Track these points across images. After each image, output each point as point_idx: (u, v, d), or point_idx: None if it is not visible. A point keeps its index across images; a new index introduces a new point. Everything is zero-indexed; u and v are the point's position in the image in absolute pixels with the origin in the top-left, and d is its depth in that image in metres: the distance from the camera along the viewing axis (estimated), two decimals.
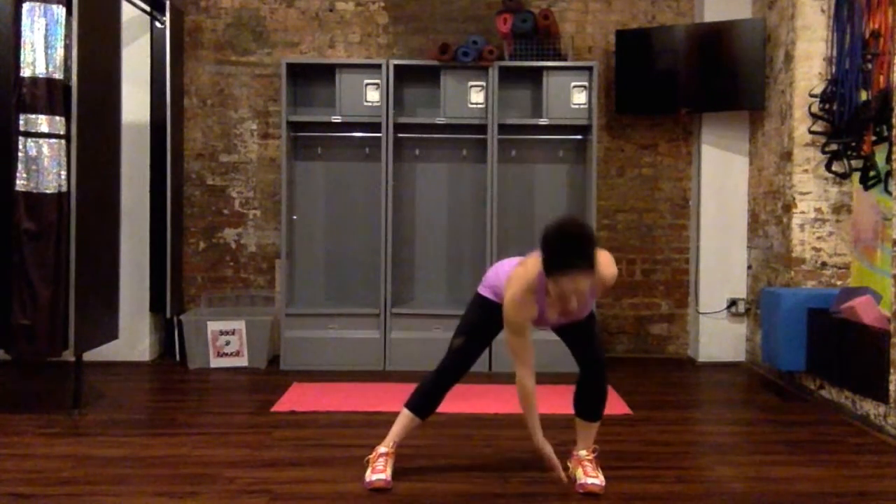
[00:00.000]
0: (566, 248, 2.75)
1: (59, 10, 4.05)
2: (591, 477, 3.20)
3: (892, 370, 3.91)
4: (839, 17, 4.81)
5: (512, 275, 3.02)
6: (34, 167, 4.02)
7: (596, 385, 3.27)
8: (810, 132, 4.96)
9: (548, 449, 3.16)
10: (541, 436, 3.16)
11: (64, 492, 3.15)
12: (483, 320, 3.24)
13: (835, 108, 4.78)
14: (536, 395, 3.11)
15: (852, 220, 4.97)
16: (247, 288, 6.03)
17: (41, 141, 4.02)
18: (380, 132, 5.53)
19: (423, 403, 3.33)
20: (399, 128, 5.66)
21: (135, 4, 5.31)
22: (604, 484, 3.18)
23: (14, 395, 4.69)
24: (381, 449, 3.28)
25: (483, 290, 3.26)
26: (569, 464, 3.30)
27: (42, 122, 4.02)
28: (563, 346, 3.31)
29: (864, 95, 4.58)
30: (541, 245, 2.82)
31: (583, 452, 3.30)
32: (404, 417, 3.33)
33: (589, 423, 3.32)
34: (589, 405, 3.30)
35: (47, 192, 4.03)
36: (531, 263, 2.97)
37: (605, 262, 2.96)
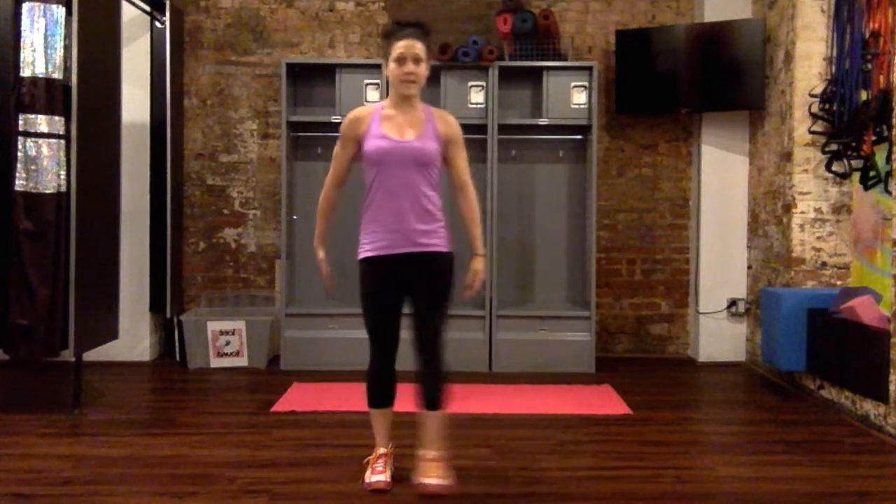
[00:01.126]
0: (401, 23, 3.21)
1: (59, 10, 4.05)
2: (430, 477, 3.08)
3: (892, 370, 3.91)
4: (839, 17, 4.81)
5: None
6: (33, 167, 4.02)
7: (426, 360, 3.13)
8: (810, 132, 4.96)
9: (322, 253, 3.33)
10: (322, 242, 3.35)
11: (64, 492, 3.15)
12: (374, 283, 3.18)
13: (835, 108, 4.77)
14: (332, 213, 3.32)
15: (852, 220, 4.97)
16: (247, 288, 6.03)
17: (40, 141, 4.03)
18: None
19: (379, 394, 3.26)
20: None
21: (135, 4, 5.31)
22: (448, 484, 3.08)
23: (14, 395, 4.69)
24: (380, 450, 3.29)
25: (359, 253, 3.22)
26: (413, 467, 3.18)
27: (41, 122, 4.02)
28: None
29: (864, 95, 4.57)
30: (381, 37, 3.29)
31: (431, 453, 3.15)
32: (375, 416, 3.29)
33: (429, 413, 3.15)
34: (425, 389, 3.14)
35: (46, 192, 4.04)
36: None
37: (449, 114, 3.30)
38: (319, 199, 3.33)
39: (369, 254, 3.17)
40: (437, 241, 3.17)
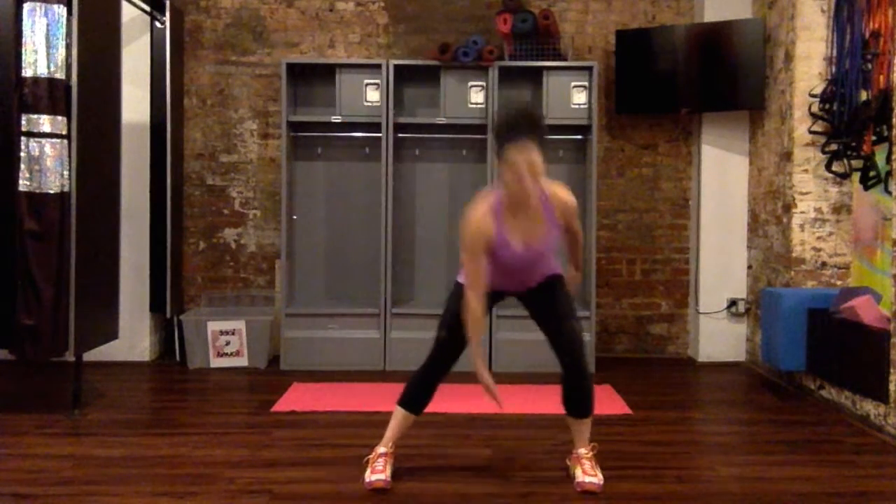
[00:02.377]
0: (513, 121, 2.97)
1: (60, 10, 4.05)
2: (589, 475, 3.20)
3: (892, 370, 3.91)
4: (839, 17, 4.81)
5: (472, 204, 3.13)
6: (37, 167, 4.02)
7: (577, 378, 3.21)
8: (810, 132, 4.96)
9: (488, 377, 3.11)
10: (483, 361, 3.16)
11: (64, 492, 3.15)
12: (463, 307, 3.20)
13: (835, 108, 4.78)
14: (483, 322, 3.16)
15: (852, 220, 4.97)
16: (247, 288, 6.03)
17: (43, 141, 4.03)
18: (380, 132, 5.53)
19: (415, 399, 3.32)
20: (399, 128, 5.66)
21: (135, 4, 5.31)
22: (602, 482, 3.19)
23: (14, 395, 4.69)
24: (380, 449, 3.29)
25: (461, 278, 3.24)
26: (568, 462, 3.31)
27: (44, 122, 4.02)
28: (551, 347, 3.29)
29: (864, 95, 4.58)
30: (493, 132, 3.02)
31: (582, 451, 3.29)
32: (398, 416, 3.32)
33: (577, 420, 3.29)
34: (573, 401, 3.26)
35: (50, 192, 4.03)
36: (491, 193, 3.12)
37: (561, 187, 3.17)
38: (468, 315, 3.07)
39: None
40: (547, 272, 3.25)
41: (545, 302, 3.25)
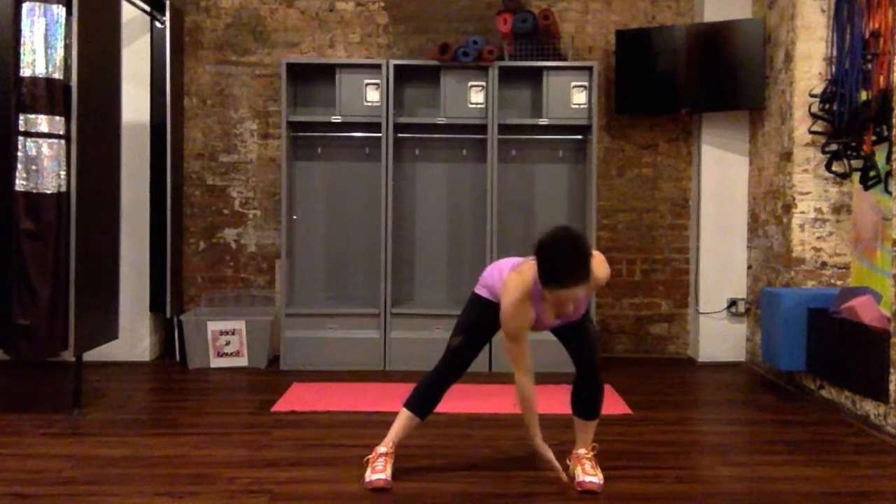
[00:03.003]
0: (562, 263, 2.78)
1: (59, 10, 4.05)
2: (589, 475, 3.21)
3: (892, 370, 3.91)
4: (839, 17, 4.81)
5: (508, 282, 3.03)
6: (34, 167, 4.02)
7: (591, 384, 3.29)
8: (810, 132, 4.96)
9: (548, 452, 3.18)
10: (540, 439, 3.18)
11: (64, 492, 3.15)
12: (481, 319, 3.25)
13: (835, 108, 4.77)
14: (536, 398, 3.13)
15: (852, 220, 4.97)
16: (247, 288, 6.03)
17: (41, 141, 4.02)
18: (380, 132, 5.53)
19: (422, 403, 3.33)
20: (399, 128, 5.66)
21: (135, 4, 5.31)
22: (602, 482, 3.19)
23: (14, 395, 4.69)
24: (381, 449, 3.28)
25: (480, 290, 3.27)
26: (568, 462, 3.31)
27: (42, 122, 4.02)
28: (563, 347, 3.31)
29: (864, 95, 4.57)
30: (537, 257, 2.84)
31: (582, 451, 3.31)
32: (403, 417, 3.33)
33: (586, 422, 3.33)
34: (585, 404, 3.31)
35: (47, 192, 4.03)
36: (527, 269, 2.99)
37: (598, 265, 2.96)
38: (517, 396, 3.11)
39: (492, 299, 3.19)
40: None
41: (571, 334, 3.27)
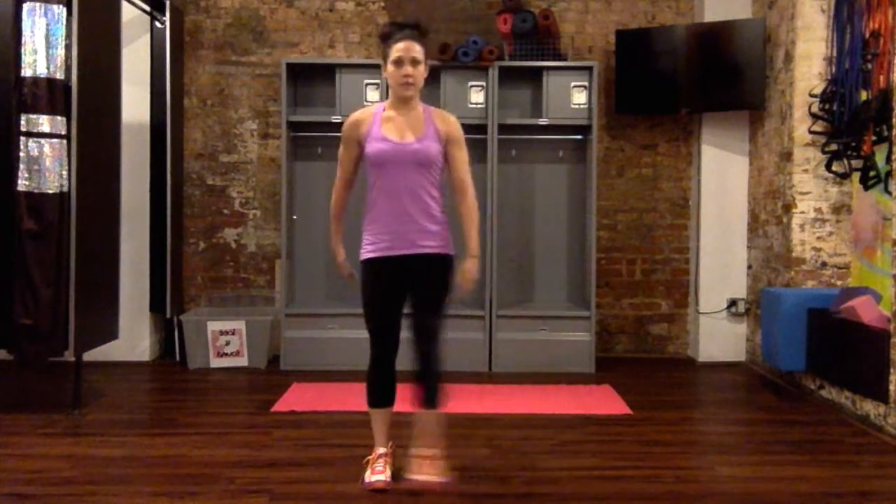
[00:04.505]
0: (398, 22, 3.26)
1: (60, 10, 4.05)
2: (424, 474, 3.06)
3: (892, 370, 3.91)
4: (839, 17, 4.81)
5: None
6: (36, 167, 4.02)
7: (427, 370, 3.13)
8: (810, 132, 4.96)
9: (342, 253, 3.38)
10: (340, 243, 3.38)
11: (64, 492, 3.15)
12: (375, 284, 3.20)
13: (835, 108, 4.77)
14: (343, 212, 3.35)
15: (852, 220, 4.97)
16: (247, 288, 6.03)
17: (43, 141, 4.03)
18: None
19: (378, 394, 3.28)
20: None
21: (135, 4, 5.31)
22: (445, 482, 3.06)
23: (14, 395, 4.69)
24: (380, 450, 3.29)
25: (361, 255, 3.24)
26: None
27: (43, 123, 4.02)
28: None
29: (864, 95, 4.58)
30: (379, 39, 3.26)
31: (422, 450, 3.12)
32: (374, 417, 3.30)
33: (426, 411, 3.14)
34: (421, 386, 3.13)
35: (49, 192, 4.04)
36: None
37: (448, 114, 3.30)
38: (331, 203, 3.37)
39: (371, 255, 3.19)
40: (438, 243, 3.18)
41: (421, 287, 3.18)
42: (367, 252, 3.21)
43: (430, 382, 3.14)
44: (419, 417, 3.17)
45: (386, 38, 3.19)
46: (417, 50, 3.14)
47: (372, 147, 3.16)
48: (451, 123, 3.26)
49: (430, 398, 3.14)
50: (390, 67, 3.15)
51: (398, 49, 3.13)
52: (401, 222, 3.14)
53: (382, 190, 3.16)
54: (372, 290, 3.22)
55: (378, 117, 3.21)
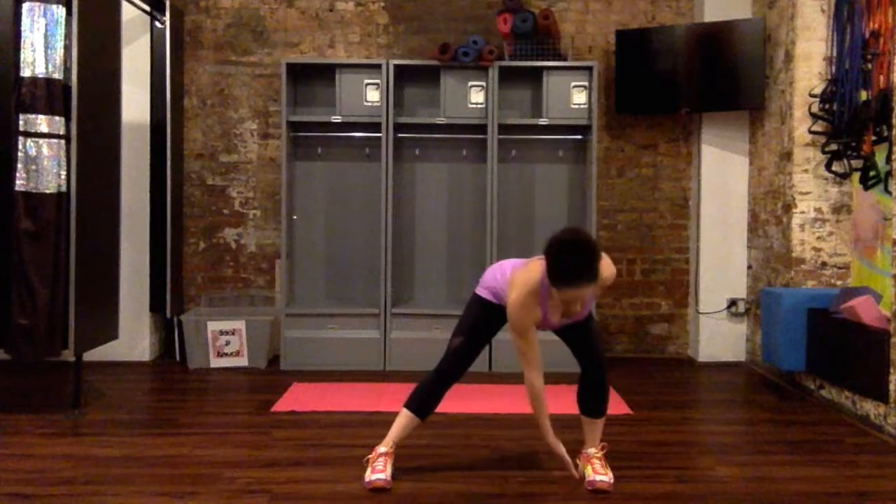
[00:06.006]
0: (571, 263, 2.81)
1: (59, 10, 4.05)
2: (599, 474, 3.22)
3: (892, 370, 3.91)
4: (839, 17, 4.81)
5: (516, 278, 3.07)
6: (34, 167, 4.02)
7: (597, 382, 3.29)
8: (810, 132, 4.96)
9: (560, 448, 3.21)
10: (552, 435, 3.21)
11: (64, 492, 3.15)
12: (481, 320, 3.28)
13: (835, 108, 4.77)
14: (545, 395, 3.15)
15: (852, 220, 4.97)
16: (247, 288, 6.03)
17: (41, 141, 4.02)
18: (380, 132, 5.53)
19: (422, 404, 3.34)
20: (399, 128, 5.66)
21: (135, 4, 5.31)
22: (612, 481, 3.20)
23: (14, 395, 4.69)
24: (381, 449, 3.29)
25: (481, 291, 3.28)
26: (578, 461, 3.31)
27: (42, 123, 4.02)
28: (563, 347, 3.32)
29: (864, 95, 4.57)
30: (547, 256, 2.86)
31: (591, 450, 3.32)
32: (404, 418, 3.33)
33: (593, 420, 3.34)
34: (591, 402, 3.32)
35: (47, 192, 4.03)
36: (534, 268, 3.03)
37: (605, 265, 3.00)
38: (527, 393, 3.16)
39: (493, 300, 3.23)
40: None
41: (576, 335, 3.29)
42: (488, 296, 3.25)
43: (600, 393, 3.31)
44: (587, 423, 3.34)
45: (556, 281, 2.85)
46: (589, 291, 2.88)
47: (543, 326, 3.15)
48: (606, 282, 3.08)
49: (600, 409, 3.32)
50: (557, 295, 2.90)
51: (570, 294, 2.85)
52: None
53: None
54: (477, 323, 3.29)
55: (545, 301, 3.03)
